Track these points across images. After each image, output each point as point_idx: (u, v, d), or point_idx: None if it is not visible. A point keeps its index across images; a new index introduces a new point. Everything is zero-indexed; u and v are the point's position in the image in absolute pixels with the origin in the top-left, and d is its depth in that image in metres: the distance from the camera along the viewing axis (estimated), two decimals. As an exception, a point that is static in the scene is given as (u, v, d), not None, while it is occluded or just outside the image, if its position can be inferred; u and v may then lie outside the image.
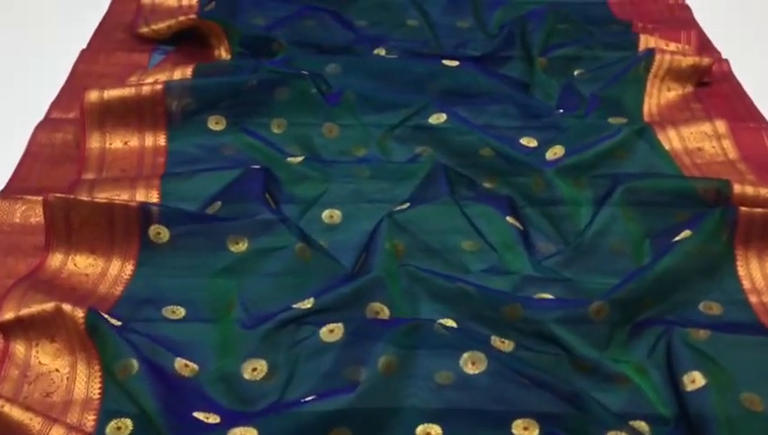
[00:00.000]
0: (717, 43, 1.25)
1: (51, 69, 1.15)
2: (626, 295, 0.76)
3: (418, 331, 0.72)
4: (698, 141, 1.01)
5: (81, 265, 0.82)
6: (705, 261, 0.82)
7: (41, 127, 1.03)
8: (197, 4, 1.27)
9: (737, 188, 0.87)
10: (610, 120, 0.98)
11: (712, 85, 1.15)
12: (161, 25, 1.19)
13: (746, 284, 0.83)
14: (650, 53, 1.11)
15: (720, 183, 0.88)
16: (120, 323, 0.73)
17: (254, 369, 0.71)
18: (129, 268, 0.82)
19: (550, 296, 0.79)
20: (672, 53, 1.12)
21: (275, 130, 1.01)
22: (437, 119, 0.99)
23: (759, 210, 0.83)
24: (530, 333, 0.74)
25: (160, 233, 0.82)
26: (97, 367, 0.71)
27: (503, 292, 0.78)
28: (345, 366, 0.71)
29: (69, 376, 0.71)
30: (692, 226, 0.83)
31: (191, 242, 0.82)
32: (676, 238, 0.82)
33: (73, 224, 0.82)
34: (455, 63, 1.10)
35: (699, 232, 0.82)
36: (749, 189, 0.87)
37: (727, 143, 1.01)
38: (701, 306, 0.80)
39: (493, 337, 0.74)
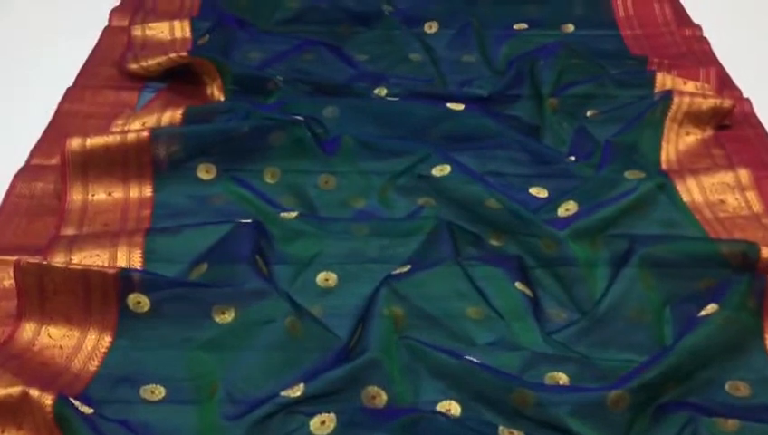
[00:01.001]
0: (737, 78, 1.19)
1: (34, 108, 1.09)
2: (646, 380, 0.69)
3: (419, 423, 0.66)
4: (720, 193, 0.95)
5: (56, 335, 0.76)
6: (731, 336, 0.75)
7: (20, 175, 0.97)
8: (191, 37, 1.22)
9: (765, 251, 0.81)
10: (627, 174, 0.92)
11: (733, 128, 1.08)
12: (151, 62, 1.13)
13: (776, 359, 0.76)
14: (668, 95, 1.05)
15: (747, 246, 0.81)
16: (91, 411, 0.66)
17: (238, 465, 0.65)
18: (106, 340, 0.76)
19: (563, 376, 0.73)
20: (691, 94, 1.06)
21: (268, 180, 0.95)
22: (441, 170, 0.93)
23: (790, 279, 0.77)
24: (542, 422, 0.68)
25: (140, 302, 0.76)
26: (66, 460, 0.65)
27: (511, 375, 0.71)
28: (338, 460, 0.65)
29: (35, 469, 0.65)
30: (717, 297, 0.76)
31: (174, 311, 0.76)
32: (701, 313, 0.75)
33: (47, 291, 0.76)
34: (459, 107, 1.03)
35: (725, 305, 0.75)
36: (779, 253, 0.81)
37: (751, 195, 0.95)
38: (727, 386, 0.74)
39: (501, 428, 0.68)
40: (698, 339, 0.73)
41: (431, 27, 1.25)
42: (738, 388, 0.73)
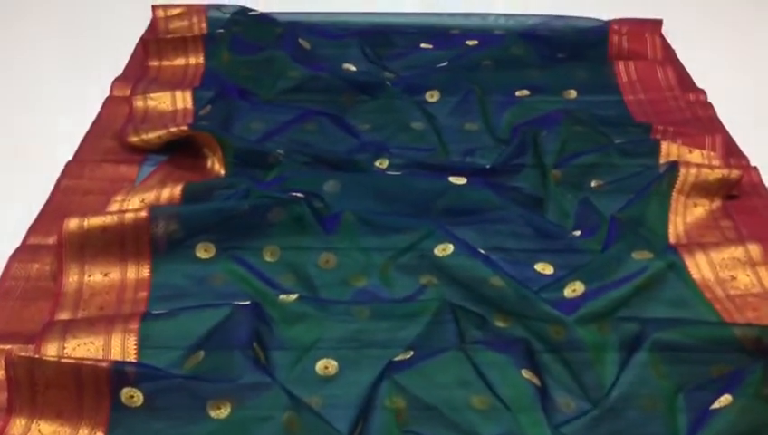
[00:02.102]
0: (742, 143, 1.18)
1: (34, 181, 1.09)
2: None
3: None
4: (731, 269, 0.92)
5: (47, 431, 0.74)
6: (746, 427, 0.72)
7: (16, 256, 0.95)
8: (192, 107, 1.22)
9: (780, 336, 0.78)
10: (634, 254, 0.89)
11: (741, 198, 1.07)
12: (152, 135, 1.12)
13: (794, 450, 0.73)
14: (674, 166, 1.03)
15: (761, 331, 0.79)
16: None
17: None
18: (98, 437, 0.73)
19: (573, 473, 0.70)
20: (698, 165, 1.04)
21: (268, 259, 0.94)
22: (443, 250, 0.91)
23: (806, 365, 0.74)
24: None
25: (134, 396, 0.74)
26: None
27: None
28: None
29: None
30: (731, 387, 0.74)
31: (168, 404, 0.74)
32: (715, 405, 0.72)
33: (38, 385, 0.74)
34: (462, 181, 1.02)
35: (740, 396, 0.73)
36: (793, 337, 0.78)
37: (763, 271, 0.92)
38: (745, 482, 0.70)
39: None
40: (713, 433, 0.70)
41: (432, 96, 1.24)
42: (756, 484, 0.70)
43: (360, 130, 1.19)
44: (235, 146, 1.09)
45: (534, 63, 1.31)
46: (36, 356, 0.74)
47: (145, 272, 0.92)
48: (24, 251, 0.96)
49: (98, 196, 1.05)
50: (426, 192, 1.01)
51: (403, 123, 1.20)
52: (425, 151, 1.14)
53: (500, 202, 1.01)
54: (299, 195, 0.97)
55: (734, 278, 0.92)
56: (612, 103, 1.27)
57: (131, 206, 0.98)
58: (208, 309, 0.85)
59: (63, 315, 0.87)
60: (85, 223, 0.91)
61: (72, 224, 0.91)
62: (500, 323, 0.86)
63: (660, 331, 0.79)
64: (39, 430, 0.74)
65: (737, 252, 0.93)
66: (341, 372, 0.81)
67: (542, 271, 0.93)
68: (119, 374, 0.73)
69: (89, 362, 0.74)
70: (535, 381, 0.78)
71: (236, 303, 0.86)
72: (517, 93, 1.26)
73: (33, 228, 1.00)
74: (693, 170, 1.03)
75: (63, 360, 0.74)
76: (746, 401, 0.73)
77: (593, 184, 1.07)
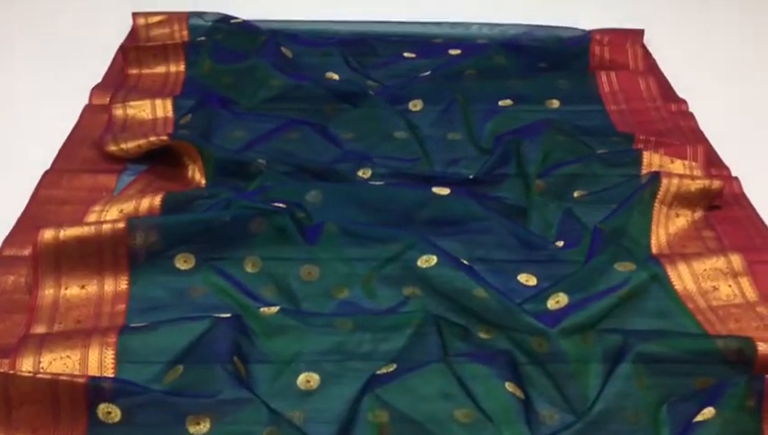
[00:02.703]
0: (723, 153, 1.18)
1: (11, 191, 1.07)
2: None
3: None
4: (713, 280, 0.92)
5: (21, 448, 0.72)
6: (731, 439, 0.72)
7: (-9, 268, 0.94)
8: (173, 115, 1.20)
9: (762, 347, 0.78)
10: (617, 265, 0.89)
11: (723, 208, 1.07)
12: (131, 145, 1.11)
13: (779, 464, 0.73)
14: (656, 177, 1.03)
15: (743, 342, 0.79)
16: None
17: None
18: (74, 454, 0.72)
19: (557, 487, 0.69)
20: (680, 176, 1.04)
21: (249, 270, 0.92)
22: (427, 262, 0.90)
23: (789, 378, 0.74)
24: None
25: (111, 412, 0.72)
26: None
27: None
28: None
29: None
30: (714, 399, 0.73)
31: (146, 420, 0.72)
32: (698, 418, 0.72)
33: (13, 401, 0.72)
34: (445, 191, 1.01)
35: (723, 408, 0.72)
36: (775, 348, 0.78)
37: (745, 282, 0.92)
38: (729, 495, 0.70)
39: None
40: (697, 447, 0.70)
41: (416, 105, 1.24)
42: (741, 497, 0.70)
43: (343, 140, 1.18)
44: (216, 156, 1.07)
45: (517, 73, 1.32)
46: (11, 372, 0.73)
47: (123, 284, 0.90)
48: (0, 262, 0.94)
49: (76, 206, 1.03)
50: (409, 202, 1.00)
51: (386, 133, 1.19)
52: (408, 161, 1.13)
53: (483, 213, 1.00)
54: (281, 205, 0.95)
55: (716, 289, 0.92)
56: (595, 113, 1.27)
57: (110, 216, 0.96)
58: (188, 322, 0.83)
59: (39, 329, 0.85)
60: (61, 234, 0.89)
61: (48, 235, 0.89)
62: (483, 335, 0.86)
63: (643, 343, 0.79)
64: (13, 447, 0.72)
65: (719, 263, 0.94)
66: (323, 385, 0.80)
67: (525, 282, 0.93)
68: (96, 390, 0.72)
69: (65, 378, 0.72)
70: (519, 393, 0.78)
71: (217, 315, 0.84)
72: (500, 103, 1.26)
73: (9, 240, 0.98)
74: (675, 181, 1.03)
75: (39, 375, 0.72)
76: (729, 414, 0.73)
77: (576, 194, 1.07)
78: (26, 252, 0.94)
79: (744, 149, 1.20)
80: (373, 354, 0.82)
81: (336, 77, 1.30)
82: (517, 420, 0.75)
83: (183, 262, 0.92)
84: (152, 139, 1.09)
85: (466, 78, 1.30)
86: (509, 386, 0.78)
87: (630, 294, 0.87)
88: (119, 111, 1.21)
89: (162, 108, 1.22)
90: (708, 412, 0.72)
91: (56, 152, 1.15)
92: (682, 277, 0.92)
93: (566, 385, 0.81)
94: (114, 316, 0.87)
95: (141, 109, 1.21)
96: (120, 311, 0.88)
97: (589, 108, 1.28)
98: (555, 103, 1.27)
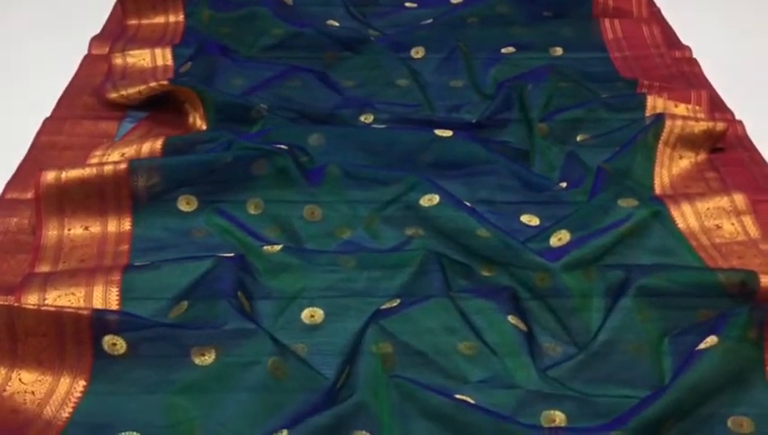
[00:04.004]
0: (728, 100, 1.17)
1: (12, 138, 1.06)
2: (647, 418, 0.66)
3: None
4: (716, 218, 0.92)
5: (27, 380, 0.72)
6: (732, 368, 0.72)
7: (-6, 211, 0.94)
8: (172, 64, 1.19)
9: (764, 280, 0.78)
10: (620, 201, 0.89)
11: (726, 151, 1.06)
12: (132, 91, 1.10)
13: (779, 394, 0.73)
14: (659, 119, 1.02)
15: (745, 274, 0.79)
16: (63, 464, 0.63)
17: None
18: (80, 385, 0.72)
19: (559, 414, 0.70)
20: (683, 117, 1.04)
21: (252, 211, 0.92)
22: (429, 201, 0.90)
23: (791, 308, 0.74)
24: (538, 467, 0.65)
25: (116, 344, 0.73)
26: None
27: (506, 416, 0.68)
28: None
29: None
30: (716, 329, 0.74)
31: (151, 352, 0.73)
32: (701, 346, 0.72)
33: (18, 334, 0.73)
34: (448, 133, 1.01)
35: (726, 336, 0.73)
36: (778, 281, 0.78)
37: (748, 220, 0.92)
38: (729, 423, 0.71)
39: (495, 471, 0.65)
40: (698, 374, 0.70)
41: (418, 53, 1.23)
42: (741, 424, 0.70)
43: (344, 87, 1.18)
44: (216, 100, 1.07)
45: (520, 21, 1.30)
46: (16, 305, 0.73)
47: (126, 225, 0.90)
48: (2, 206, 0.94)
49: (77, 151, 1.03)
50: (411, 145, 1.00)
51: (388, 80, 1.18)
52: (410, 107, 1.13)
53: (486, 155, 1.00)
54: (283, 147, 0.95)
55: (719, 227, 0.92)
56: (599, 60, 1.26)
57: (111, 160, 0.96)
58: (192, 261, 0.84)
59: (43, 268, 0.85)
60: (63, 175, 0.89)
61: (50, 176, 0.89)
62: (485, 273, 0.86)
63: (645, 277, 0.79)
64: (20, 380, 0.72)
65: (722, 202, 0.93)
66: (327, 320, 0.80)
67: (528, 222, 0.93)
68: (100, 322, 0.72)
69: (70, 310, 0.72)
70: (521, 326, 0.78)
71: (220, 255, 0.84)
72: (503, 51, 1.25)
73: (11, 183, 0.98)
74: (678, 123, 1.03)
75: (44, 308, 0.73)
76: (731, 343, 0.73)
77: (579, 138, 1.06)
78: (29, 195, 0.94)
79: (747, 94, 1.19)
80: (376, 291, 0.82)
81: (337, 24, 1.29)
82: (520, 351, 0.75)
83: (185, 204, 0.92)
84: (153, 84, 1.09)
85: (469, 26, 1.29)
86: (511, 319, 0.78)
87: (632, 230, 0.87)
88: (118, 60, 1.20)
89: (162, 56, 1.21)
90: (710, 341, 0.72)
91: (56, 101, 1.14)
92: (685, 216, 0.92)
93: (568, 319, 0.81)
94: (118, 256, 0.87)
95: (141, 57, 1.20)
96: (123, 251, 0.88)
97: (592, 55, 1.26)
98: (558, 51, 1.26)
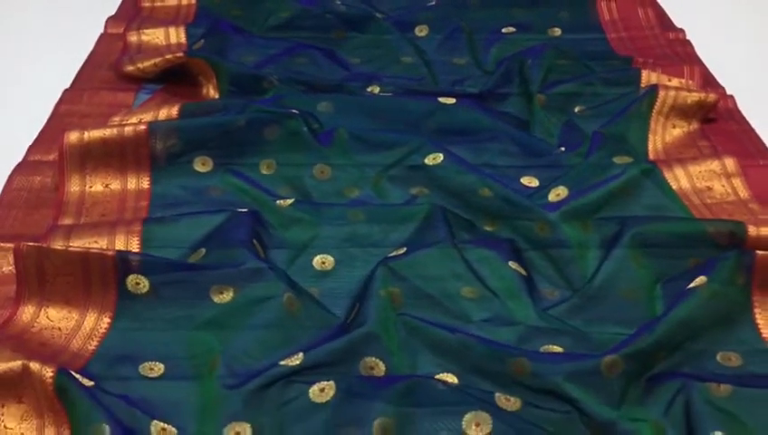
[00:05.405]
0: (721, 80, 1.22)
1: (32, 110, 1.11)
2: (639, 348, 0.70)
3: (417, 389, 0.67)
4: (707, 180, 0.97)
5: (55, 317, 0.77)
6: (721, 308, 0.77)
7: (18, 170, 0.98)
8: (186, 42, 1.24)
9: (752, 230, 0.83)
10: (615, 159, 0.94)
11: (718, 122, 1.11)
12: (147, 63, 1.15)
13: (766, 332, 0.78)
14: (653, 89, 1.07)
15: (734, 225, 0.83)
16: (92, 383, 0.67)
17: (237, 433, 0.65)
18: (105, 321, 0.76)
19: (558, 349, 0.74)
20: (676, 88, 1.09)
21: (264, 172, 0.97)
22: (434, 159, 0.95)
23: (777, 253, 0.78)
24: (538, 389, 0.69)
25: (139, 283, 0.77)
26: (66, 433, 0.65)
27: (507, 345, 0.72)
28: (338, 428, 0.65)
29: (35, 442, 0.65)
30: (706, 271, 0.78)
31: (172, 292, 0.77)
32: (691, 285, 0.76)
33: (47, 274, 0.77)
34: (451, 101, 1.06)
35: (714, 278, 0.77)
36: (764, 231, 0.83)
37: (737, 182, 0.97)
38: (719, 357, 0.75)
39: (497, 394, 0.69)
40: (688, 309, 0.74)
41: (422, 30, 1.28)
42: (729, 358, 0.75)
43: (351, 64, 1.22)
44: (230, 71, 1.11)
45: (520, 3, 1.35)
46: (44, 246, 0.77)
47: (145, 183, 0.95)
48: (26, 166, 0.99)
49: (96, 119, 1.08)
50: (417, 112, 1.04)
51: (393, 57, 1.23)
52: (415, 81, 1.17)
53: (489, 122, 1.04)
54: (294, 111, 0.99)
55: (710, 188, 0.96)
56: (595, 41, 1.31)
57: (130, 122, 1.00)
58: (208, 214, 0.88)
59: (66, 221, 0.90)
60: (85, 136, 0.94)
61: (73, 136, 0.94)
62: (488, 228, 0.90)
63: (638, 226, 0.83)
64: (47, 317, 0.76)
65: (713, 165, 0.98)
66: (337, 267, 0.84)
67: (528, 184, 0.97)
68: (124, 262, 0.76)
69: (95, 251, 0.76)
70: (521, 271, 0.82)
71: (235, 209, 0.89)
72: (503, 30, 1.30)
73: (33, 147, 1.02)
74: (672, 93, 1.07)
75: (71, 248, 0.77)
76: (720, 286, 0.77)
77: (576, 110, 1.11)
78: (51, 157, 0.99)
79: (739, 75, 1.23)
80: (384, 242, 0.87)
81: (343, 7, 1.33)
82: (520, 293, 0.80)
83: (201, 165, 0.96)
84: (168, 56, 1.13)
85: (470, 7, 1.33)
86: (512, 264, 0.82)
87: (627, 185, 0.91)
88: (133, 38, 1.24)
89: (175, 35, 1.25)
90: (700, 280, 0.77)
91: (73, 78, 1.19)
92: (678, 178, 0.96)
93: (566, 268, 0.85)
94: (137, 211, 0.92)
95: (155, 36, 1.25)
96: (142, 206, 0.92)
97: (589, 36, 1.31)
98: (557, 31, 1.31)
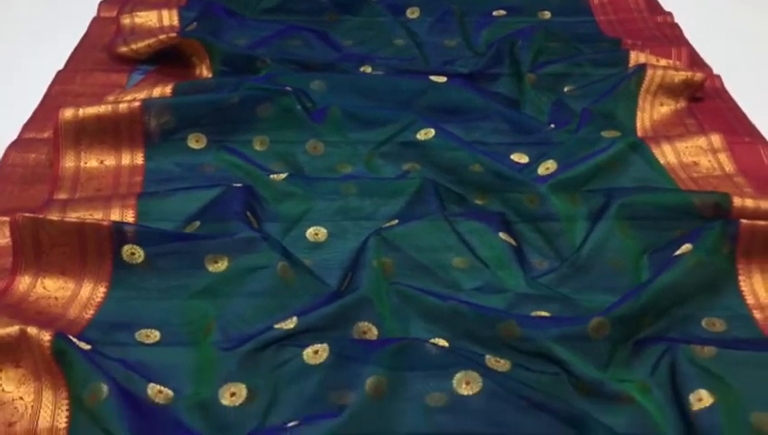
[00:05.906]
0: (708, 61, 1.24)
1: (26, 90, 1.11)
2: (626, 312, 0.72)
3: (408, 350, 0.68)
4: (694, 155, 0.98)
5: (51, 287, 0.78)
6: (706, 276, 0.78)
7: (13, 147, 0.99)
8: (179, 24, 1.25)
9: (737, 201, 0.84)
10: (603, 133, 0.95)
11: (705, 101, 1.13)
12: (141, 44, 1.16)
13: (750, 299, 0.79)
14: (641, 68, 1.09)
15: (719, 196, 0.85)
16: (89, 347, 0.68)
17: (233, 394, 0.67)
18: (101, 291, 0.77)
19: (546, 314, 0.75)
20: (664, 68, 1.10)
21: (258, 148, 0.98)
22: (425, 134, 0.96)
23: (761, 223, 0.80)
24: (527, 351, 0.70)
25: (135, 253, 0.78)
26: (64, 394, 0.66)
27: (497, 309, 0.74)
28: (331, 389, 0.67)
29: (33, 404, 0.66)
30: (692, 239, 0.80)
31: (167, 262, 0.78)
32: (677, 253, 0.78)
33: (43, 245, 0.78)
34: (443, 79, 1.07)
35: (700, 246, 0.78)
36: (749, 202, 0.84)
37: (723, 157, 0.98)
38: (703, 323, 0.76)
39: (487, 356, 0.70)
40: (674, 275, 0.76)
41: (413, 12, 1.29)
42: (714, 324, 0.76)
43: (343, 46, 1.24)
44: (223, 52, 1.12)
45: (510, -14, 1.37)
46: (40, 217, 0.78)
47: (139, 159, 0.96)
48: (21, 144, 1.00)
49: (89, 98, 1.08)
50: (409, 90, 1.05)
51: (386, 39, 1.24)
52: (406, 60, 1.19)
53: (480, 101, 1.05)
54: (287, 88, 1.01)
55: (696, 164, 0.98)
56: (585, 24, 1.32)
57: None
58: (202, 189, 0.89)
59: (62, 196, 0.91)
60: (80, 112, 0.95)
61: (68, 113, 0.95)
62: (478, 201, 0.92)
63: (625, 196, 0.85)
64: (44, 286, 0.77)
65: (700, 141, 1.00)
66: (330, 238, 0.85)
67: (518, 160, 0.98)
68: (119, 232, 0.77)
69: (91, 221, 0.78)
70: (511, 241, 0.84)
71: (229, 184, 0.90)
72: (494, 13, 1.31)
73: (28, 125, 1.03)
74: (659, 72, 1.09)
75: (67, 219, 0.78)
76: (705, 254, 0.78)
77: (566, 89, 1.12)
78: (45, 134, 1.00)
79: (727, 56, 1.25)
80: (376, 215, 0.88)
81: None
82: (510, 263, 0.81)
83: (195, 141, 0.97)
84: (161, 37, 1.14)
85: (461, -10, 1.35)
86: (502, 235, 0.84)
87: (615, 159, 0.92)
88: (126, 20, 1.25)
89: (168, 18, 1.26)
90: (685, 248, 0.78)
91: (65, 60, 1.19)
92: (665, 153, 0.98)
93: (555, 240, 0.87)
94: (132, 186, 0.93)
95: (148, 18, 1.26)
96: (136, 182, 0.93)
97: (578, 19, 1.33)
98: (547, 14, 1.33)
